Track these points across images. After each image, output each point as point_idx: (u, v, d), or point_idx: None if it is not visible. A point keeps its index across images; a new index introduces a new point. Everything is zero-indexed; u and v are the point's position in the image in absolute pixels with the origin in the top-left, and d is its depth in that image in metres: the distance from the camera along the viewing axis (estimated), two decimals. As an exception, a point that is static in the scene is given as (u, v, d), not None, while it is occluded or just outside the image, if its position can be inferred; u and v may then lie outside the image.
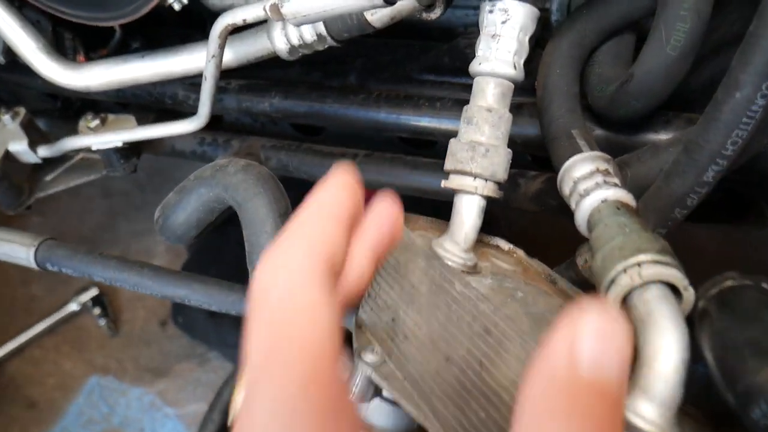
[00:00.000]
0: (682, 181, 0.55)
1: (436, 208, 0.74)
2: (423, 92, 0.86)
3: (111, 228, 1.98)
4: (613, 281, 0.45)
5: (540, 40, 0.84)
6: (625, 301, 0.44)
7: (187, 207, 0.75)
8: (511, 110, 0.75)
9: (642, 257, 0.44)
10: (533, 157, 0.87)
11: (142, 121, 0.99)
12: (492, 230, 0.70)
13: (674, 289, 0.44)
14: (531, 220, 1.67)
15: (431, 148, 0.92)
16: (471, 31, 0.95)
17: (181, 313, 1.67)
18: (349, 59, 0.95)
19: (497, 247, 0.72)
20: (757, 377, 0.35)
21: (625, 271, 0.44)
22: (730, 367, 0.36)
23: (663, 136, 0.68)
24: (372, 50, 0.95)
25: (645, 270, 0.43)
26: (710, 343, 0.39)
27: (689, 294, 0.43)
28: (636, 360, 0.42)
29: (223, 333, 1.58)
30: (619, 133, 0.70)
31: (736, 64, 0.49)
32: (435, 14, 0.79)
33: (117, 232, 1.96)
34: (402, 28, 0.98)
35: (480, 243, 0.71)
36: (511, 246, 0.71)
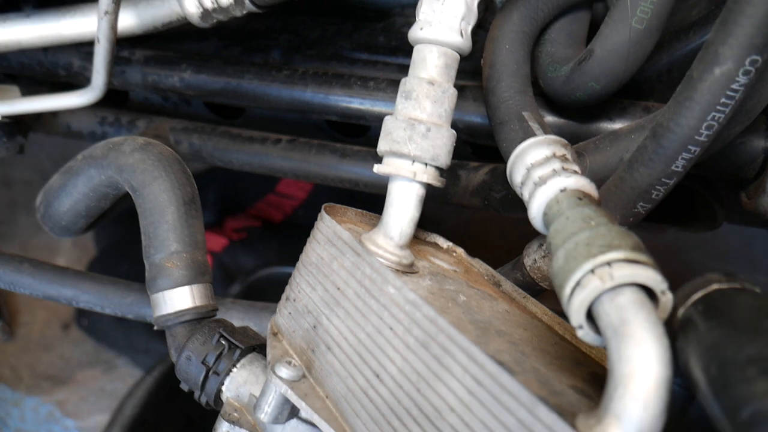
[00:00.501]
0: (648, 171, 0.48)
1: (367, 203, 0.66)
2: (354, 72, 0.77)
3: (10, 221, 1.80)
4: (578, 283, 0.37)
5: (482, 22, 0.77)
6: (593, 307, 0.37)
7: (74, 192, 0.64)
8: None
9: (613, 255, 0.37)
10: (474, 148, 0.80)
11: (31, 94, 0.85)
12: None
13: (650, 293, 0.37)
14: (466, 217, 1.61)
15: (363, 136, 0.83)
16: (408, 12, 0.87)
17: (86, 315, 1.53)
18: (273, 34, 0.85)
19: (435, 244, 0.64)
20: (767, 402, 0.27)
21: (593, 271, 0.37)
22: (730, 390, 0.29)
23: (619, 125, 0.61)
24: (299, 26, 0.86)
25: (617, 270, 0.36)
26: (701, 360, 0.32)
27: (667, 299, 0.36)
28: (607, 379, 0.34)
29: (132, 337, 1.44)
30: (571, 120, 0.63)
31: (716, 35, 0.43)
32: (370, -16, 0.70)
33: (16, 225, 1.79)
34: (334, 5, 0.90)
35: (416, 240, 0.62)
36: (451, 244, 0.64)
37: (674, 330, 0.36)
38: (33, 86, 0.92)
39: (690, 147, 0.46)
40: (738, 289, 0.34)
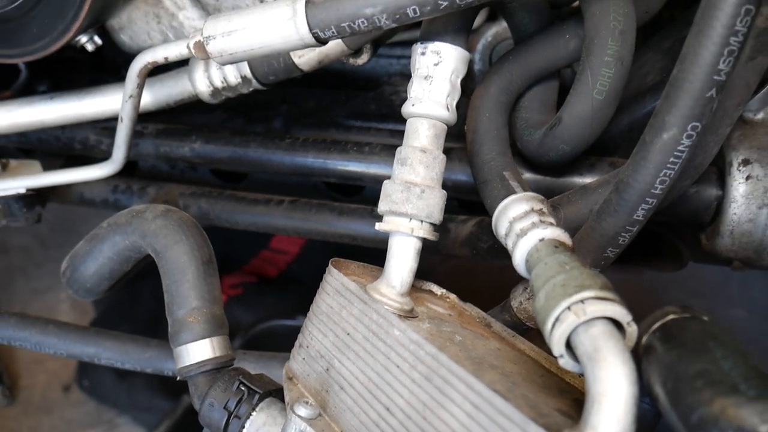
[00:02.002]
0: (614, 221, 0.56)
1: (364, 256, 0.72)
2: (350, 138, 0.85)
3: (7, 286, 1.83)
4: (557, 319, 0.44)
5: (464, 89, 0.85)
6: (571, 339, 0.43)
7: (99, 257, 0.70)
8: (441, 154, 0.75)
9: (585, 294, 0.43)
10: (460, 203, 0.87)
11: (48, 167, 0.92)
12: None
13: (618, 325, 0.43)
14: (454, 265, 1.67)
15: (358, 195, 0.91)
16: (395, 80, 0.96)
17: (86, 376, 1.55)
18: (274, 105, 0.93)
19: (430, 291, 0.70)
20: (712, 407, 0.34)
21: (569, 308, 0.43)
22: (683, 399, 0.35)
23: (588, 179, 0.69)
24: (297, 97, 0.94)
25: (589, 306, 0.43)
26: (660, 377, 0.38)
27: (632, 330, 0.43)
28: (585, 398, 0.41)
29: (134, 395, 1.47)
30: (547, 176, 0.71)
31: (662, 106, 0.51)
32: (362, 60, 0.79)
33: (14, 290, 1.82)
34: (328, 77, 0.98)
35: (413, 288, 0.69)
36: (444, 291, 0.70)
37: (639, 355, 0.42)
38: (47, 159, 0.99)
39: (647, 199, 0.54)
40: (689, 318, 0.41)
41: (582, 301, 0.43)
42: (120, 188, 0.95)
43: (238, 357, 0.78)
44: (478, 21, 0.97)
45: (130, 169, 1.01)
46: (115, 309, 1.55)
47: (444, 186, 0.73)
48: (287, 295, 1.50)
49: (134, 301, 1.48)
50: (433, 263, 1.71)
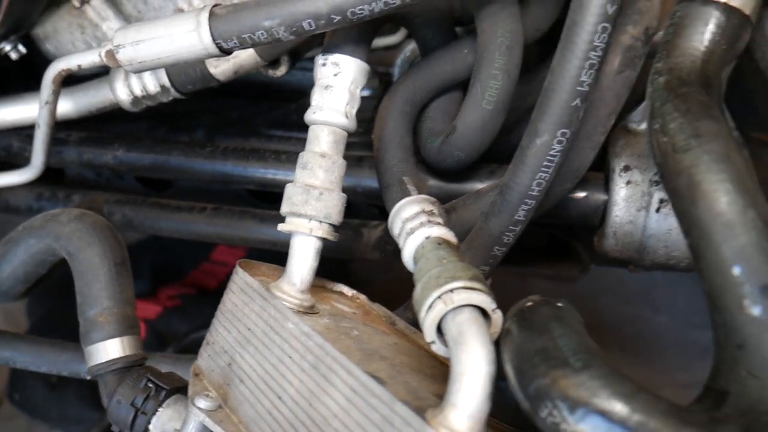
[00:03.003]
0: (498, 221, 0.60)
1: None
2: (270, 146, 0.88)
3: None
4: (429, 307, 0.47)
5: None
6: (441, 325, 0.47)
7: (14, 259, 0.71)
8: (352, 163, 0.79)
9: (454, 284, 0.47)
10: (380, 210, 0.91)
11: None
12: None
13: (485, 314, 0.47)
14: (392, 277, 1.71)
15: (279, 202, 0.93)
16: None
17: (17, 390, 1.53)
18: (198, 115, 0.95)
19: (341, 293, 0.74)
20: (545, 380, 0.38)
21: (440, 297, 0.47)
22: (523, 374, 0.39)
23: (488, 185, 0.73)
24: (222, 107, 0.97)
25: (456, 295, 0.46)
26: (509, 357, 0.42)
27: (497, 316, 0.47)
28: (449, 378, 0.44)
29: (65, 407, 1.45)
30: (450, 182, 0.75)
31: (536, 115, 0.56)
32: (281, 71, 0.82)
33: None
34: (254, 88, 1.01)
35: (324, 289, 0.72)
36: (355, 292, 0.74)
37: (500, 339, 0.46)
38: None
39: (527, 200, 0.58)
40: (543, 303, 0.45)
41: (452, 290, 0.47)
42: (45, 196, 0.96)
43: (156, 360, 0.80)
44: (397, 37, 1.02)
45: (56, 177, 1.02)
46: (47, 319, 1.54)
47: (357, 192, 0.77)
48: (226, 306, 1.51)
49: (67, 311, 1.47)
50: (373, 274, 1.75)
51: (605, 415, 0.37)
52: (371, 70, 0.97)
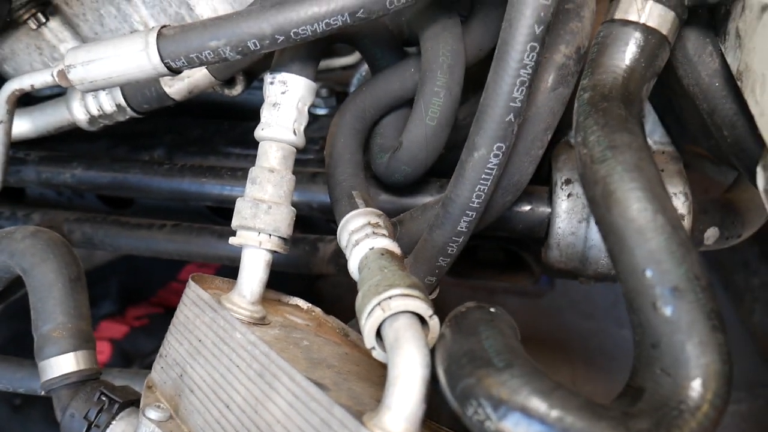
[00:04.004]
0: (442, 232, 0.62)
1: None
2: (228, 164, 0.90)
3: None
4: (369, 314, 0.49)
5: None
6: (380, 331, 0.49)
7: (-32, 277, 0.72)
8: (307, 179, 0.81)
9: (392, 291, 0.49)
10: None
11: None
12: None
13: (422, 320, 0.49)
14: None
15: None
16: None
17: (-20, 413, 1.51)
18: (158, 134, 0.97)
19: (296, 306, 0.75)
20: (470, 379, 0.40)
21: (378, 304, 0.49)
22: (451, 374, 0.41)
23: (435, 198, 0.76)
24: (182, 126, 0.98)
25: (394, 302, 0.48)
26: (441, 360, 0.44)
27: (434, 323, 0.49)
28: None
29: (29, 427, 1.44)
30: (401, 197, 0.78)
31: (473, 129, 0.58)
32: (237, 90, 0.84)
33: None
34: (216, 108, 1.03)
35: (279, 302, 0.74)
36: (310, 305, 0.75)
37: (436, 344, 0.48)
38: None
39: (468, 212, 0.60)
40: (475, 308, 0.47)
41: (390, 297, 0.49)
42: (4, 215, 0.96)
43: (113, 375, 0.80)
44: (354, 58, 1.04)
45: (17, 196, 1.03)
46: (11, 343, 1.52)
47: (312, 208, 0.78)
48: (193, 325, 1.51)
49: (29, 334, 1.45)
50: (342, 292, 1.77)
51: (525, 411, 0.39)
52: (329, 89, 1.00)
